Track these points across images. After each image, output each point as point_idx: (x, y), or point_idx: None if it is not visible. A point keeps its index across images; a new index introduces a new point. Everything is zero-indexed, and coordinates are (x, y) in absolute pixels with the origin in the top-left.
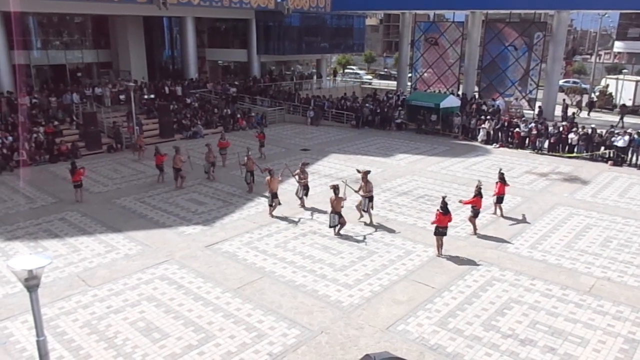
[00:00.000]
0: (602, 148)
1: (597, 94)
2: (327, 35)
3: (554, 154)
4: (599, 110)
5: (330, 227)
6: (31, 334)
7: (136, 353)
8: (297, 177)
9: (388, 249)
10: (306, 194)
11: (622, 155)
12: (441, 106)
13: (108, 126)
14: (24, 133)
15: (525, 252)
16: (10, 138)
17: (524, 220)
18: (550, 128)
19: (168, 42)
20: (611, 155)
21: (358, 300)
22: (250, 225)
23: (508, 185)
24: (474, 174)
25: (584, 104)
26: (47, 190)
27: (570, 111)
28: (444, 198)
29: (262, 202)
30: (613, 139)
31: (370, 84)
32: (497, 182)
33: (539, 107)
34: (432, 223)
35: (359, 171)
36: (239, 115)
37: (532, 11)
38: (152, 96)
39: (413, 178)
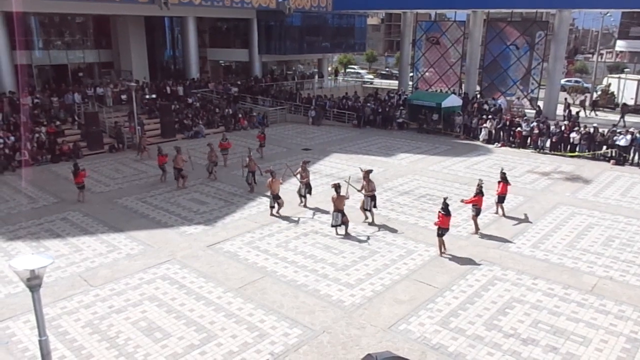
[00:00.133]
0: (604, 147)
1: (599, 93)
2: (329, 34)
3: (555, 153)
4: (600, 109)
5: (332, 226)
6: (33, 333)
7: (138, 353)
8: (298, 176)
9: (390, 248)
10: (309, 192)
11: (624, 155)
12: (443, 105)
13: (110, 126)
14: (26, 133)
15: (527, 251)
16: (12, 138)
17: (525, 220)
18: (552, 127)
19: (169, 42)
20: (613, 154)
21: (360, 299)
22: (251, 225)
23: (510, 184)
24: (476, 173)
25: (587, 103)
26: (49, 190)
27: (574, 110)
28: (445, 199)
29: (264, 202)
30: (615, 138)
31: (371, 83)
32: (499, 182)
33: (537, 106)
34: (435, 224)
35: (362, 170)
36: (240, 115)
37: (534, 10)
38: (154, 96)
39: (414, 177)
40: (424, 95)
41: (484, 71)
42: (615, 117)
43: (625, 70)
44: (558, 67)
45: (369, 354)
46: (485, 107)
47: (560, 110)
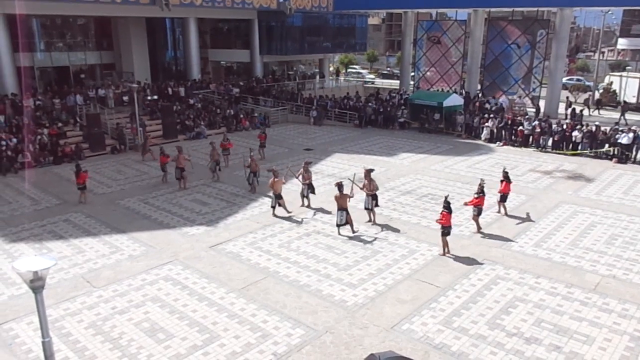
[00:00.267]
0: (607, 145)
1: (601, 91)
2: (330, 34)
3: (557, 151)
4: (604, 107)
5: (337, 225)
6: (37, 335)
7: (141, 354)
8: (300, 177)
9: (392, 248)
10: (312, 192)
11: (627, 153)
12: (444, 105)
13: (111, 127)
14: (28, 135)
15: (529, 250)
16: (14, 140)
17: (528, 219)
18: (554, 126)
19: (171, 43)
20: (615, 152)
21: (362, 299)
22: (253, 226)
23: (511, 182)
24: (478, 172)
25: (591, 102)
26: (51, 192)
27: (577, 109)
28: (446, 197)
29: (266, 203)
30: (617, 136)
31: (373, 83)
32: (501, 180)
33: (536, 105)
34: (442, 223)
35: (365, 168)
36: (242, 116)
37: (535, 9)
38: (155, 97)
39: (416, 177)
40: (426, 95)
41: (486, 70)
42: (617, 115)
43: (627, 68)
44: (559, 66)
45: (372, 354)
46: (487, 106)
47: (562, 108)
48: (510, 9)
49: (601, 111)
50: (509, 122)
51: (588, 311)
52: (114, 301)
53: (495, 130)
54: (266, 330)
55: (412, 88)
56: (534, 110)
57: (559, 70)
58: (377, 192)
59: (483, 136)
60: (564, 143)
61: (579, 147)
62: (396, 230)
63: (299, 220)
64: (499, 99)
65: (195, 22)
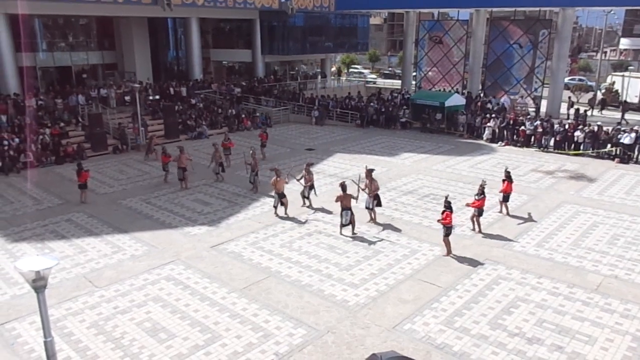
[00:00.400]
0: (609, 145)
1: (603, 91)
2: (331, 34)
3: (559, 151)
4: (608, 108)
5: (343, 225)
6: (39, 334)
7: (143, 353)
8: (302, 180)
9: (394, 248)
10: (315, 193)
11: (629, 153)
12: (446, 105)
13: (113, 127)
14: (31, 135)
15: (531, 250)
16: (16, 140)
17: (530, 219)
18: (556, 126)
19: (173, 43)
20: (618, 152)
21: (364, 299)
22: (255, 226)
23: (513, 182)
24: (480, 172)
25: (596, 101)
26: (53, 192)
27: (582, 109)
28: (446, 197)
29: (268, 202)
30: (619, 136)
31: (374, 83)
32: (503, 180)
33: (536, 104)
34: (446, 224)
35: (366, 168)
36: (243, 116)
37: (537, 8)
38: (157, 97)
39: (418, 177)
40: (427, 95)
41: (487, 70)
42: (619, 115)
43: (630, 68)
44: (562, 66)
45: (373, 354)
46: (489, 106)
47: (563, 108)
48: (512, 9)
49: (605, 111)
50: (511, 122)
51: (590, 311)
52: (115, 301)
53: (497, 130)
54: (268, 330)
55: (413, 88)
56: (535, 109)
57: (561, 70)
58: (378, 192)
59: (485, 136)
60: (566, 143)
61: (581, 147)
62: (398, 230)
63: (301, 220)
64: (501, 99)
65: (197, 22)
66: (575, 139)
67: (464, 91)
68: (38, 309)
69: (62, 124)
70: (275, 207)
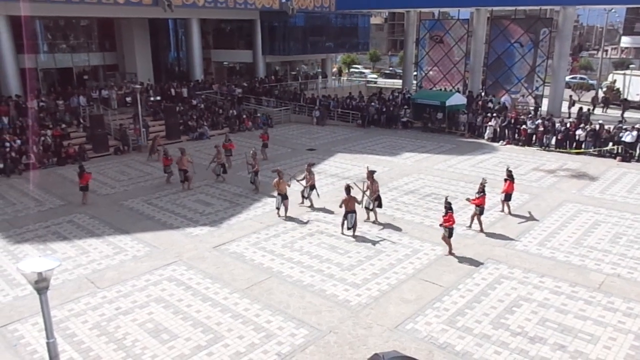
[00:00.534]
0: (610, 144)
1: (605, 89)
2: (332, 34)
3: (561, 150)
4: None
5: (348, 228)
6: (41, 336)
7: (145, 354)
8: (304, 181)
9: (395, 247)
10: (317, 194)
11: (630, 151)
12: (447, 104)
13: (115, 128)
14: (32, 136)
15: (533, 249)
16: (18, 141)
17: (532, 218)
18: (557, 125)
19: (173, 44)
20: (619, 151)
21: (366, 299)
22: (257, 226)
23: (514, 181)
24: (481, 171)
25: (599, 100)
26: (55, 193)
27: (582, 107)
28: (446, 198)
29: (269, 203)
30: (621, 134)
31: (375, 82)
32: (505, 180)
33: (535, 103)
34: (448, 225)
35: (367, 168)
36: (244, 116)
37: (538, 7)
38: (158, 98)
39: (419, 176)
40: (428, 94)
41: (488, 69)
42: (626, 114)
43: (631, 66)
44: (563, 64)
45: (376, 354)
46: (490, 105)
47: (564, 107)
48: (513, 8)
49: (609, 110)
50: (512, 121)
51: (592, 310)
52: (118, 302)
53: (498, 130)
54: (270, 331)
55: (414, 87)
56: (538, 108)
57: (562, 68)
58: (379, 193)
59: (486, 135)
60: (568, 142)
61: (583, 146)
62: (399, 230)
63: (303, 220)
64: (501, 98)
65: (198, 23)
66: (577, 137)
67: (465, 90)
68: (40, 310)
69: (63, 126)
70: (278, 208)
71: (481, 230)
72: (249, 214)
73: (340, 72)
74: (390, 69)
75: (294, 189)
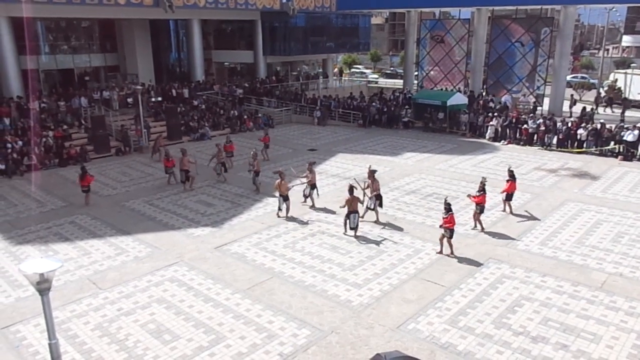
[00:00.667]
0: (612, 143)
1: (606, 88)
2: (333, 34)
3: (562, 149)
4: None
5: (351, 228)
6: (43, 337)
7: (147, 355)
8: (304, 179)
9: (397, 247)
10: (317, 193)
11: (632, 150)
12: (448, 104)
13: (116, 129)
14: (34, 137)
15: (535, 248)
16: (20, 143)
17: (533, 217)
18: (558, 124)
19: (174, 44)
20: (621, 150)
21: (368, 299)
22: (258, 226)
23: (516, 180)
24: (482, 171)
25: (602, 99)
26: (57, 194)
27: (586, 107)
28: (446, 199)
29: (270, 203)
30: (622, 133)
31: (376, 83)
32: (507, 180)
33: (534, 103)
34: (450, 226)
35: (369, 168)
36: (245, 117)
37: (539, 7)
38: (160, 99)
39: (421, 176)
40: (429, 94)
41: (489, 69)
42: (628, 113)
43: (632, 65)
44: (564, 64)
45: (378, 354)
46: (491, 104)
47: (565, 106)
48: (514, 7)
49: (611, 109)
50: (514, 120)
51: (595, 309)
52: (119, 303)
53: (499, 129)
54: (272, 331)
55: (415, 87)
56: (540, 108)
57: (563, 68)
58: (380, 193)
59: (487, 135)
60: (569, 141)
61: (584, 145)
62: (401, 230)
63: (304, 220)
64: (502, 98)
65: (199, 24)
66: (578, 136)
67: (466, 90)
68: (42, 311)
69: (65, 127)
70: (280, 209)
71: (482, 230)
72: (250, 214)
73: (341, 73)
74: (391, 69)
75: (296, 189)
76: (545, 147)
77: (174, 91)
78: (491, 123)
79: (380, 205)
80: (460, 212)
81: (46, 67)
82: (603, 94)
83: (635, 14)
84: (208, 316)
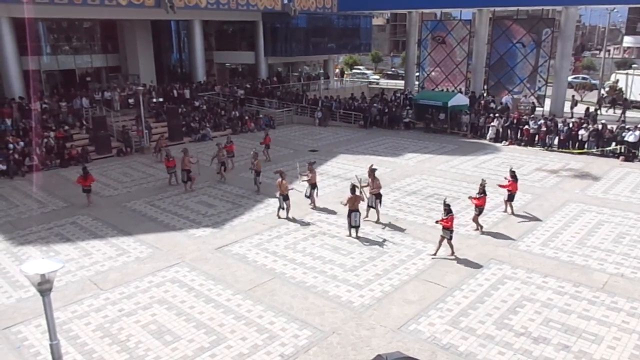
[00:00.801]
0: (613, 144)
1: (607, 89)
2: (334, 35)
3: (564, 150)
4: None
5: (352, 227)
6: (45, 337)
7: (148, 356)
8: (305, 177)
9: (398, 248)
10: (316, 193)
11: (633, 151)
12: (449, 105)
13: (117, 130)
14: (35, 138)
15: (536, 249)
16: (21, 143)
17: (535, 218)
18: (559, 125)
19: (176, 45)
20: (622, 150)
21: (369, 300)
22: (259, 227)
23: (517, 181)
24: (484, 172)
25: (605, 100)
26: (58, 195)
27: (589, 107)
28: (445, 200)
29: (271, 204)
30: (624, 134)
31: (377, 83)
32: (508, 180)
33: (533, 103)
34: (448, 227)
35: (369, 168)
36: (247, 117)
37: (540, 7)
38: (161, 99)
39: (422, 177)
40: (431, 95)
41: (491, 69)
42: (629, 114)
43: (633, 66)
44: (565, 65)
45: (379, 355)
46: (492, 105)
47: (567, 107)
48: (515, 8)
49: (613, 110)
50: (515, 121)
51: (596, 310)
52: (121, 303)
53: (500, 130)
54: (273, 332)
55: (416, 88)
56: (540, 108)
57: (565, 69)
58: (381, 192)
59: (488, 136)
60: (570, 142)
61: (586, 146)
62: (402, 231)
63: (305, 221)
64: (502, 98)
65: (200, 25)
66: (580, 137)
67: (468, 91)
68: (44, 312)
69: (66, 127)
70: (282, 208)
71: (477, 229)
72: (251, 215)
73: (342, 73)
74: (393, 69)
75: (298, 190)
76: (546, 147)
77: (175, 92)
78: (492, 124)
79: (380, 203)
80: (461, 212)
81: (48, 67)
82: (604, 94)
83: (636, 15)
84: (209, 317)
